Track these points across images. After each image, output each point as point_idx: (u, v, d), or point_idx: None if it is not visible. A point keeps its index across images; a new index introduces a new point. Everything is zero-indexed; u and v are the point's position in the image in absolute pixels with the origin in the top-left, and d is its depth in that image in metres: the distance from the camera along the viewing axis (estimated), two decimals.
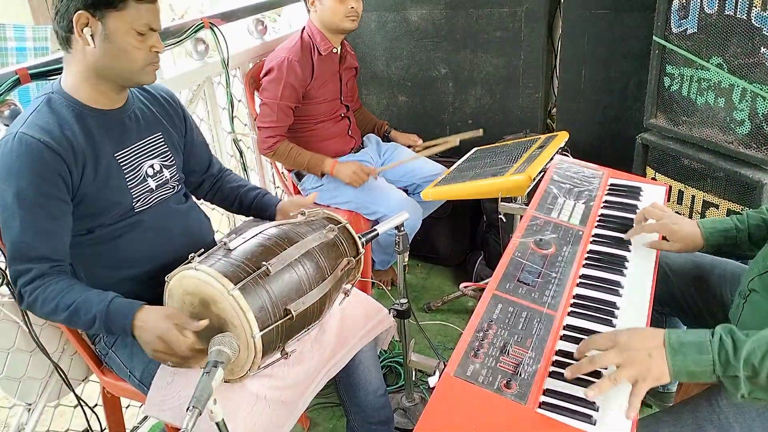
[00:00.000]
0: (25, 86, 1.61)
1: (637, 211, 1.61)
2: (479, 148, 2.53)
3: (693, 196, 2.01)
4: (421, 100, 2.97)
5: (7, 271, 1.37)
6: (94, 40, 1.31)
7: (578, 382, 1.08)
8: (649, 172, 2.17)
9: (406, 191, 2.52)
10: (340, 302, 1.54)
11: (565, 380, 1.08)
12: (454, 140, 2.44)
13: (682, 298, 1.54)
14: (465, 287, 2.52)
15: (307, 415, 2.08)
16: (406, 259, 1.74)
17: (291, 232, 1.40)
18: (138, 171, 1.47)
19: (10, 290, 1.49)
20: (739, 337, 1.02)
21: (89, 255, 1.43)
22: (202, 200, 1.80)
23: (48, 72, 1.63)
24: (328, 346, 1.52)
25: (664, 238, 1.45)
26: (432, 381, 1.40)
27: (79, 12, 1.28)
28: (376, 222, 2.34)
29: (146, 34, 1.35)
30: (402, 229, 1.66)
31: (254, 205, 1.73)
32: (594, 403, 1.04)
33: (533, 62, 2.68)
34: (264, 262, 1.27)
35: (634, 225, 1.49)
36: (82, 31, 1.30)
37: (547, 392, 1.06)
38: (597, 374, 1.08)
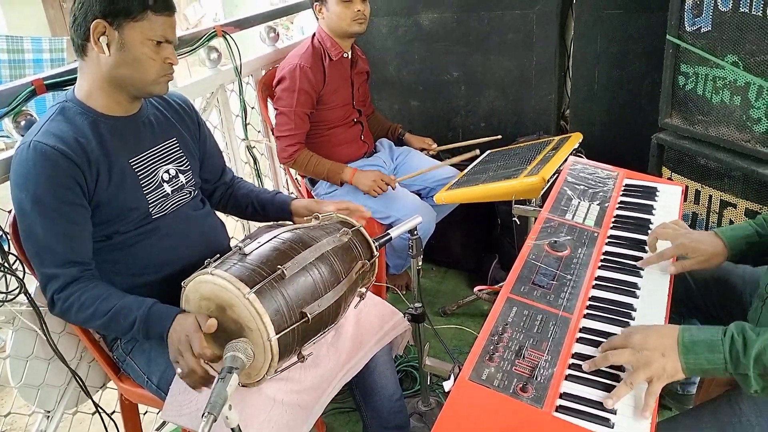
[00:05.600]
0: (41, 97, 1.63)
1: (654, 212, 1.59)
2: (492, 150, 2.52)
3: (710, 196, 1.99)
4: (433, 104, 2.96)
5: (37, 277, 1.38)
6: (110, 49, 1.33)
7: (596, 384, 1.07)
8: (665, 172, 2.15)
9: (419, 195, 2.51)
10: (355, 305, 1.54)
11: (583, 383, 1.07)
12: (474, 151, 2.44)
13: (701, 300, 1.52)
14: (479, 291, 2.51)
15: (323, 419, 2.08)
16: (420, 263, 1.74)
17: (305, 235, 1.40)
18: (153, 176, 1.48)
19: (27, 299, 1.51)
20: (750, 336, 1.04)
21: (107, 262, 1.45)
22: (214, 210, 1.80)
23: (63, 82, 1.65)
24: (344, 350, 1.52)
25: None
26: (447, 385, 1.39)
27: (97, 20, 1.31)
28: (390, 226, 2.33)
29: (162, 45, 1.37)
30: (415, 233, 1.66)
31: (268, 207, 1.73)
32: None
33: (546, 64, 2.67)
34: (279, 266, 1.27)
35: (648, 249, 1.42)
36: (98, 39, 1.32)
37: (564, 396, 1.05)
38: (614, 376, 1.09)
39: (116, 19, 1.31)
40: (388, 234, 1.57)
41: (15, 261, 1.49)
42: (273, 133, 2.39)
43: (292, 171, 2.64)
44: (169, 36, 1.38)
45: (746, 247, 1.35)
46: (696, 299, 1.52)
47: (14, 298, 1.50)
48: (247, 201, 1.77)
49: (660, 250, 1.39)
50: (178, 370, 1.28)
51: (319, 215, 1.54)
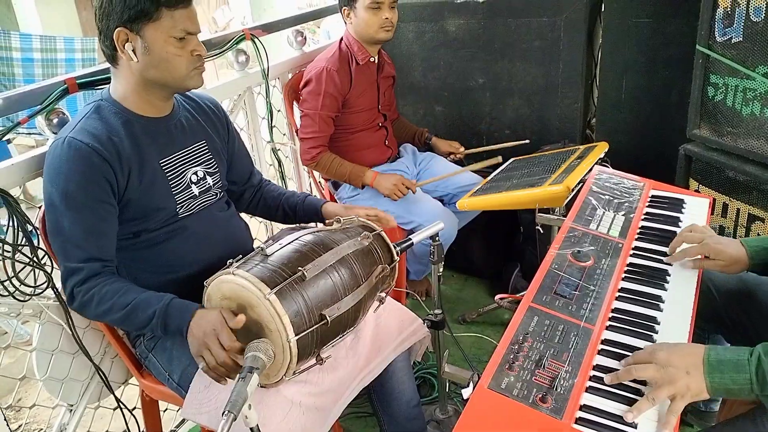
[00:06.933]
0: (73, 95, 1.66)
1: (680, 224, 1.57)
2: (516, 158, 2.51)
3: (738, 210, 1.95)
4: (458, 111, 2.96)
5: (60, 270, 1.40)
6: (137, 55, 1.35)
7: (616, 397, 1.06)
8: (693, 184, 2.12)
9: (441, 201, 2.51)
10: (374, 310, 1.54)
11: (603, 396, 1.06)
12: (497, 158, 2.43)
13: (726, 315, 1.50)
14: (500, 299, 2.49)
15: (340, 423, 2.08)
16: (441, 270, 1.74)
17: (326, 238, 1.41)
18: (182, 177, 1.50)
19: (55, 293, 1.54)
20: None
21: (133, 259, 1.47)
22: (242, 212, 1.82)
23: (95, 81, 1.68)
24: (363, 354, 1.52)
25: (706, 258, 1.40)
26: (466, 393, 1.39)
27: (118, 29, 1.33)
28: (412, 231, 2.33)
29: (185, 39, 1.38)
30: (437, 239, 1.65)
31: (299, 210, 1.75)
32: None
33: (572, 72, 2.65)
34: (300, 268, 1.28)
35: (670, 250, 1.44)
36: (123, 47, 1.35)
37: (584, 408, 1.04)
38: (636, 390, 1.07)
39: (135, 23, 1.32)
40: (410, 239, 1.57)
41: (44, 256, 1.52)
42: (297, 135, 2.41)
43: (316, 174, 2.66)
44: (190, 28, 1.38)
45: None
46: (720, 313, 1.50)
47: (42, 292, 1.53)
48: (277, 204, 1.79)
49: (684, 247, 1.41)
50: (202, 365, 1.27)
51: (341, 218, 1.55)
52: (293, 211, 1.76)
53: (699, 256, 1.39)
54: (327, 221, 1.58)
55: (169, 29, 1.35)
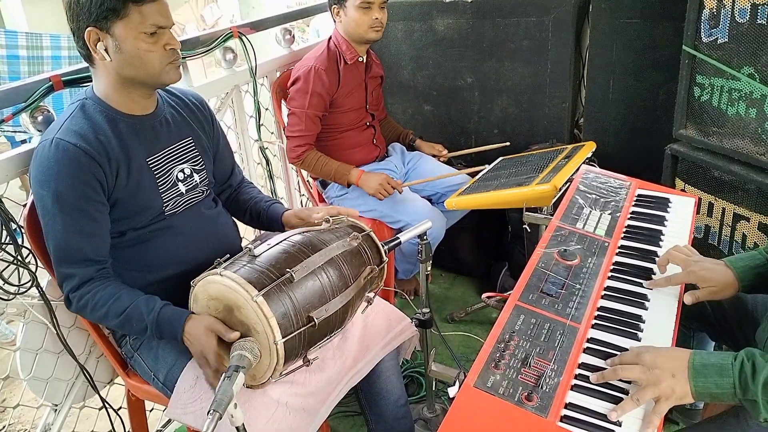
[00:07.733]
0: (58, 93, 1.64)
1: (666, 223, 1.58)
2: (504, 157, 2.52)
3: (723, 209, 1.97)
4: (447, 110, 2.96)
5: (55, 275, 1.41)
6: (109, 54, 1.34)
7: (601, 396, 1.07)
8: (679, 183, 2.13)
9: (430, 200, 2.51)
10: (362, 310, 1.54)
11: (588, 394, 1.07)
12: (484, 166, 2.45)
13: (712, 314, 1.51)
14: (488, 298, 2.50)
15: (328, 423, 2.08)
16: (429, 269, 1.74)
17: (315, 239, 1.41)
18: (169, 175, 1.50)
19: (39, 292, 1.52)
20: (760, 362, 1.03)
21: (119, 258, 1.46)
22: None
23: (80, 79, 1.67)
24: (350, 355, 1.52)
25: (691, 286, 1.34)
26: (452, 391, 1.39)
27: (89, 29, 1.31)
28: (400, 230, 2.34)
29: (157, 33, 1.35)
30: (425, 237, 1.65)
31: (261, 217, 1.73)
32: None
33: (560, 72, 2.66)
34: (288, 269, 1.28)
35: (657, 270, 1.39)
36: (96, 47, 1.33)
37: (569, 406, 1.05)
38: (621, 389, 1.08)
39: (104, 22, 1.31)
40: (398, 238, 1.57)
41: (28, 254, 1.51)
42: (285, 133, 2.41)
43: (304, 172, 2.65)
44: (161, 22, 1.36)
45: (756, 278, 1.32)
46: (705, 312, 1.51)
47: (26, 291, 1.52)
48: (245, 207, 1.77)
49: (669, 273, 1.36)
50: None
51: (330, 218, 1.54)
52: (258, 216, 1.74)
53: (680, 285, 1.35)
54: (315, 221, 1.58)
55: (138, 25, 1.32)
